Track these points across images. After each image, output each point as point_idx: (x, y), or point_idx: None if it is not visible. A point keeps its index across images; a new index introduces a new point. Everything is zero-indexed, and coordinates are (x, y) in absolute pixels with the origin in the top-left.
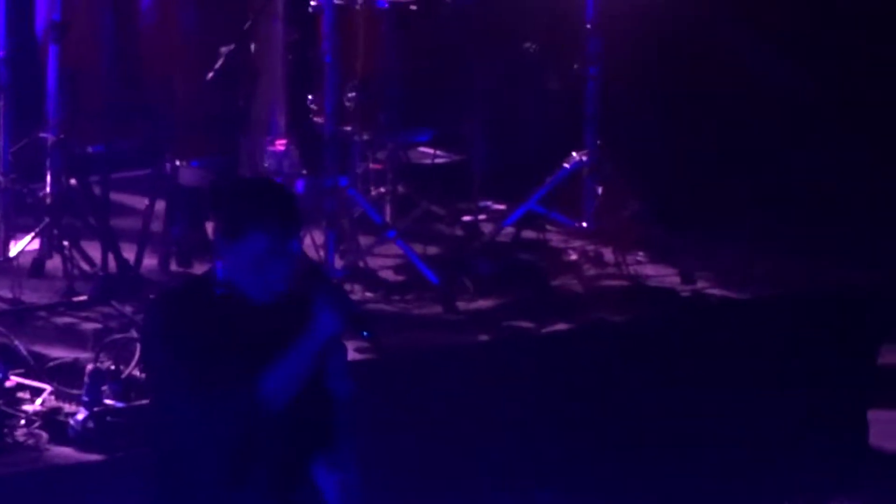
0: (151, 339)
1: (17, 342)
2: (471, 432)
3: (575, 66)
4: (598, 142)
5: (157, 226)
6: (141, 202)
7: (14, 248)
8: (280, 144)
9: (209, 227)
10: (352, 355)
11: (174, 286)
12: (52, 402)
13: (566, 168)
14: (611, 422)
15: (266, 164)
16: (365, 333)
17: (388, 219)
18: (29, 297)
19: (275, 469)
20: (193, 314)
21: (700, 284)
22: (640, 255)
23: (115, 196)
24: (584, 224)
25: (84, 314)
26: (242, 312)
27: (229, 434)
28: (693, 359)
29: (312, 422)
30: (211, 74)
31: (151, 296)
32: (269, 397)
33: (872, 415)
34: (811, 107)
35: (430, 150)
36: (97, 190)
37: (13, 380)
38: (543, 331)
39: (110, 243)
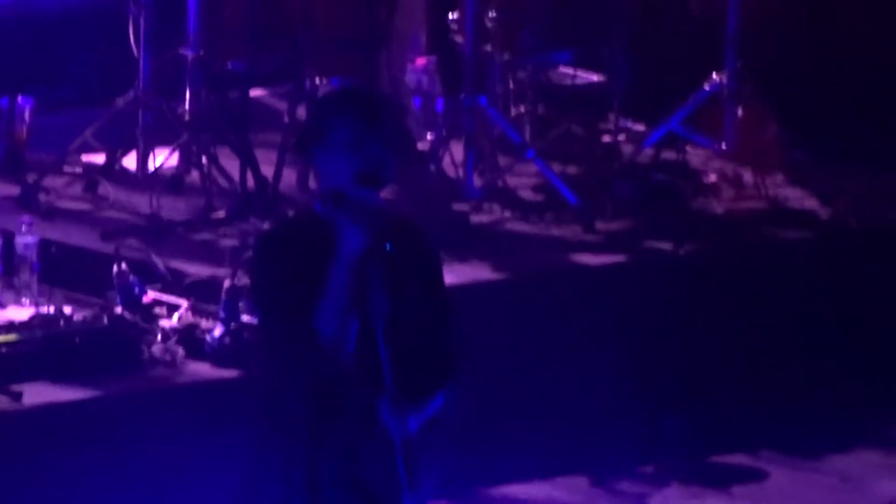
0: (250, 271)
1: (155, 258)
2: (604, 355)
3: None
4: (739, 63)
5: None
6: (280, 119)
7: (153, 164)
8: (420, 62)
9: None
10: (488, 275)
11: (284, 218)
12: (189, 318)
13: (706, 89)
14: (743, 347)
15: (406, 82)
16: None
17: (527, 139)
18: (167, 213)
19: (356, 411)
20: (285, 246)
21: (839, 209)
22: (780, 178)
23: (254, 112)
24: (724, 146)
25: (222, 231)
26: (333, 233)
27: (305, 377)
28: (833, 284)
29: (382, 359)
30: None
31: (290, 212)
32: (325, 330)
33: None
34: None
35: (571, 71)
36: (236, 107)
37: (151, 295)
38: (681, 252)
39: (249, 160)
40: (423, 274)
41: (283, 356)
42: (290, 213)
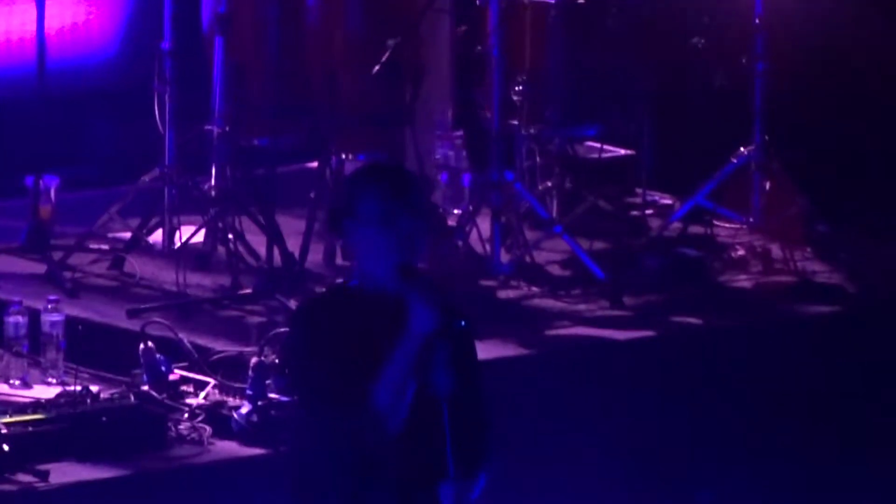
0: (286, 346)
1: (181, 335)
2: (631, 429)
3: (743, 62)
4: (766, 137)
5: (321, 219)
6: (306, 195)
7: (179, 241)
8: (446, 138)
9: None
10: (515, 350)
11: (317, 293)
12: (216, 396)
13: (733, 163)
14: (777, 421)
15: (434, 158)
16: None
17: (554, 213)
18: (193, 290)
19: (398, 487)
20: (322, 321)
21: (867, 282)
22: (808, 252)
23: (280, 189)
24: (751, 219)
25: (249, 307)
26: (371, 307)
27: (350, 449)
28: (864, 356)
29: (433, 439)
30: (377, 68)
31: (317, 289)
32: (381, 408)
33: None
34: None
35: (597, 145)
36: (262, 183)
37: (177, 373)
38: (710, 327)
39: (275, 236)
40: (468, 354)
41: (326, 429)
42: (319, 288)
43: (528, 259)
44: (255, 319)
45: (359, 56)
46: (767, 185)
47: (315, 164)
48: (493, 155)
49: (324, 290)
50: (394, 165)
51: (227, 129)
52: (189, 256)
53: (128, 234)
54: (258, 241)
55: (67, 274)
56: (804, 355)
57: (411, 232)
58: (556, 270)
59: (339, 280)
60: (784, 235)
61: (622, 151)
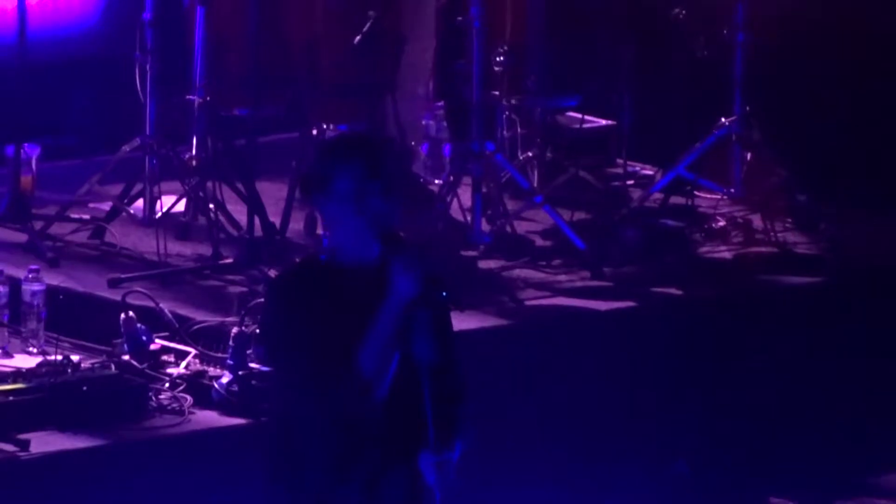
0: (264, 320)
1: (162, 305)
2: (612, 399)
3: (724, 32)
4: (747, 108)
5: None
6: (286, 165)
7: (160, 211)
8: (428, 109)
9: None
10: (495, 321)
11: (291, 265)
12: (197, 366)
13: (715, 134)
14: (758, 391)
15: (415, 128)
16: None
17: (535, 184)
18: (174, 259)
19: (381, 456)
20: (299, 293)
21: (848, 252)
22: (788, 223)
23: (261, 159)
24: (732, 190)
25: (230, 277)
26: (346, 280)
27: (334, 418)
28: (843, 326)
29: (414, 408)
30: (358, 39)
31: (296, 259)
32: (364, 374)
33: None
34: None
35: (579, 115)
36: (243, 153)
37: (158, 343)
38: (690, 297)
39: (256, 206)
40: (447, 323)
41: (310, 399)
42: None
43: (508, 229)
44: (236, 289)
45: (340, 26)
46: (748, 156)
47: (296, 134)
48: (474, 125)
49: (298, 260)
50: (369, 137)
51: (208, 99)
52: (170, 226)
53: (109, 204)
54: (239, 211)
55: (48, 243)
56: (784, 325)
57: (384, 211)
58: (536, 241)
59: (314, 251)
60: (765, 206)
61: (603, 122)
